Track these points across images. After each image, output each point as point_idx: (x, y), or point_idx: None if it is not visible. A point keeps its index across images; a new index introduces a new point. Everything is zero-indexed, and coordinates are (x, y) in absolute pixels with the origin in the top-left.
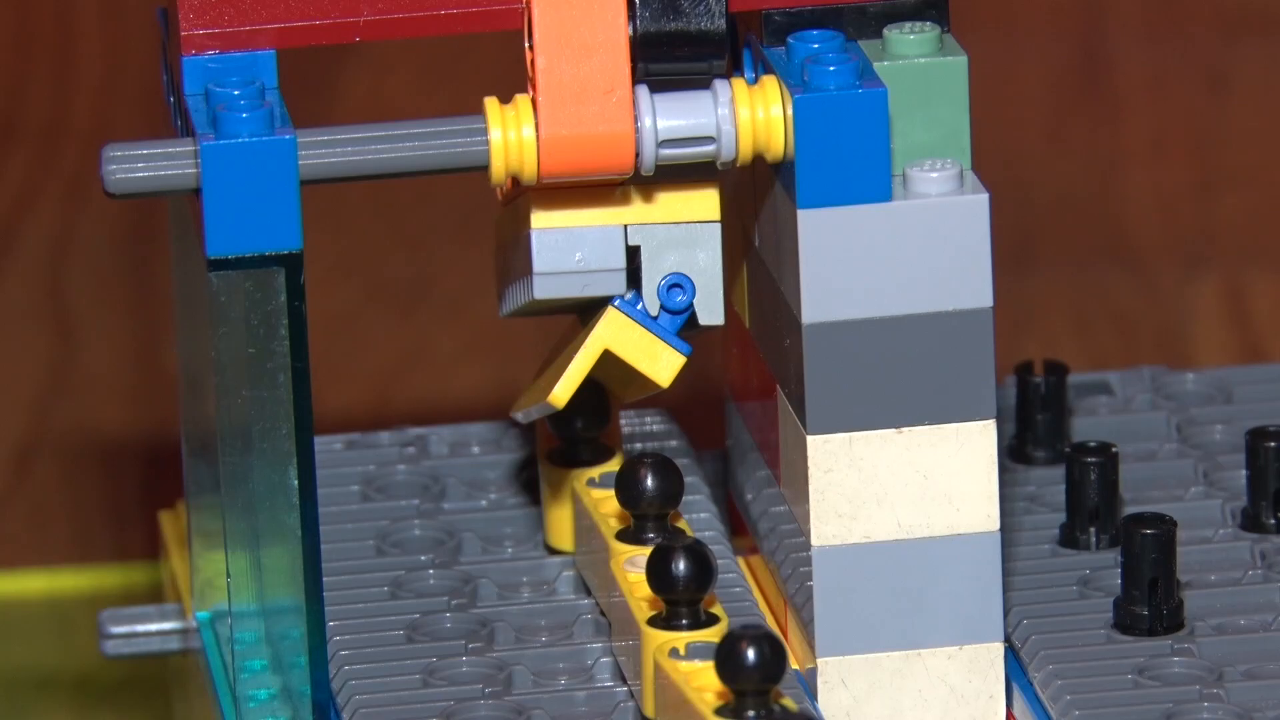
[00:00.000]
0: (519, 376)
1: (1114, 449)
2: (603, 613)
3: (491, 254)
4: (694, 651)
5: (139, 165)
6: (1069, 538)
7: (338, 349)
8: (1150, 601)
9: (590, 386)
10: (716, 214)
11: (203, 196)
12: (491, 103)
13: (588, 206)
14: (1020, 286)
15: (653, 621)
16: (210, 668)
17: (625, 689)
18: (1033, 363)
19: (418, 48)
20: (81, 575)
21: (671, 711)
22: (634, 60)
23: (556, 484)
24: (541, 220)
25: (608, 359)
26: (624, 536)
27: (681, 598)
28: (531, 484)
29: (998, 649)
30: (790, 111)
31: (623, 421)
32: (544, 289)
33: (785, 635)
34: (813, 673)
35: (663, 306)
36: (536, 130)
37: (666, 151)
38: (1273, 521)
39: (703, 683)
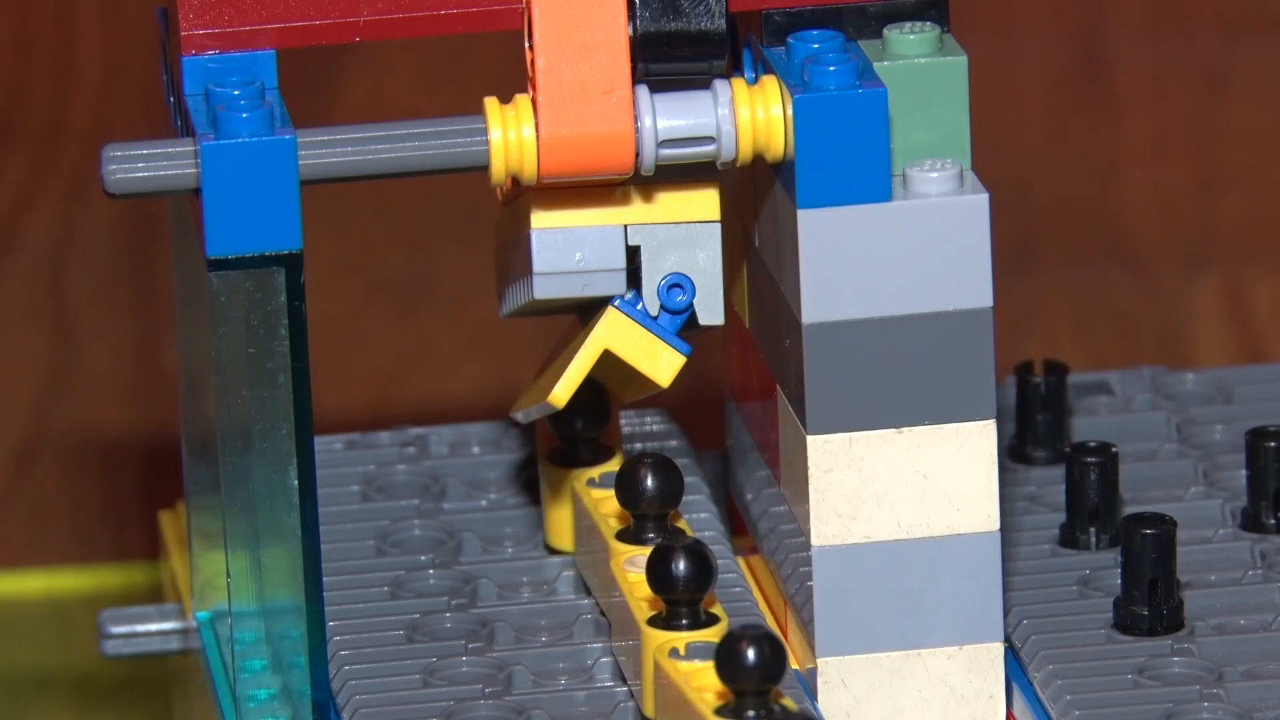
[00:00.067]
0: (519, 376)
1: (1114, 449)
2: (603, 613)
3: (491, 254)
4: (694, 651)
5: (139, 165)
6: (1069, 538)
7: (338, 349)
8: (1150, 601)
9: (590, 386)
10: (716, 214)
11: (203, 196)
12: (491, 103)
13: (588, 206)
14: (1020, 286)
15: (653, 621)
16: (210, 668)
17: (625, 689)
18: (1033, 363)
19: (418, 48)
20: (81, 575)
21: (671, 711)
22: (634, 60)
23: (556, 484)
24: (541, 220)
25: (608, 359)
26: (624, 536)
27: (681, 598)
28: (531, 484)
29: (998, 649)
30: (790, 111)
31: (623, 421)
32: (544, 289)
33: (785, 635)
34: (813, 673)
35: (663, 306)
36: (536, 130)
37: (666, 151)
38: (1273, 521)
39: (703, 683)
